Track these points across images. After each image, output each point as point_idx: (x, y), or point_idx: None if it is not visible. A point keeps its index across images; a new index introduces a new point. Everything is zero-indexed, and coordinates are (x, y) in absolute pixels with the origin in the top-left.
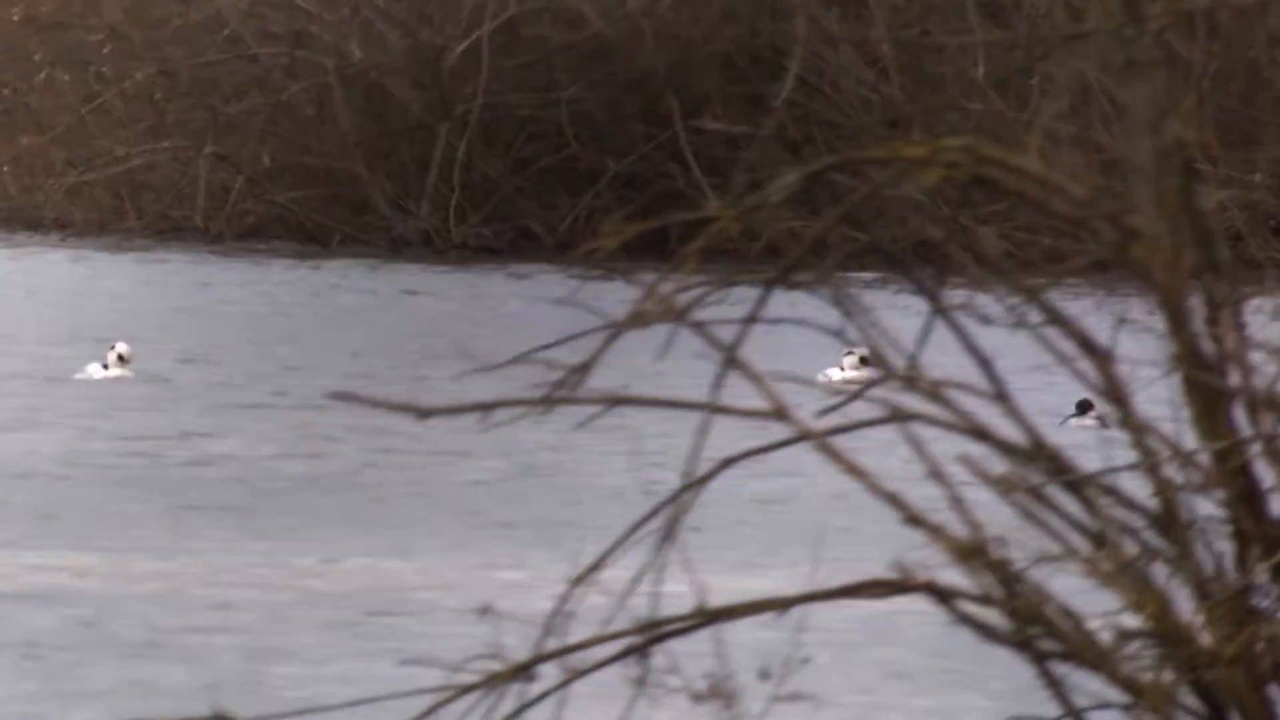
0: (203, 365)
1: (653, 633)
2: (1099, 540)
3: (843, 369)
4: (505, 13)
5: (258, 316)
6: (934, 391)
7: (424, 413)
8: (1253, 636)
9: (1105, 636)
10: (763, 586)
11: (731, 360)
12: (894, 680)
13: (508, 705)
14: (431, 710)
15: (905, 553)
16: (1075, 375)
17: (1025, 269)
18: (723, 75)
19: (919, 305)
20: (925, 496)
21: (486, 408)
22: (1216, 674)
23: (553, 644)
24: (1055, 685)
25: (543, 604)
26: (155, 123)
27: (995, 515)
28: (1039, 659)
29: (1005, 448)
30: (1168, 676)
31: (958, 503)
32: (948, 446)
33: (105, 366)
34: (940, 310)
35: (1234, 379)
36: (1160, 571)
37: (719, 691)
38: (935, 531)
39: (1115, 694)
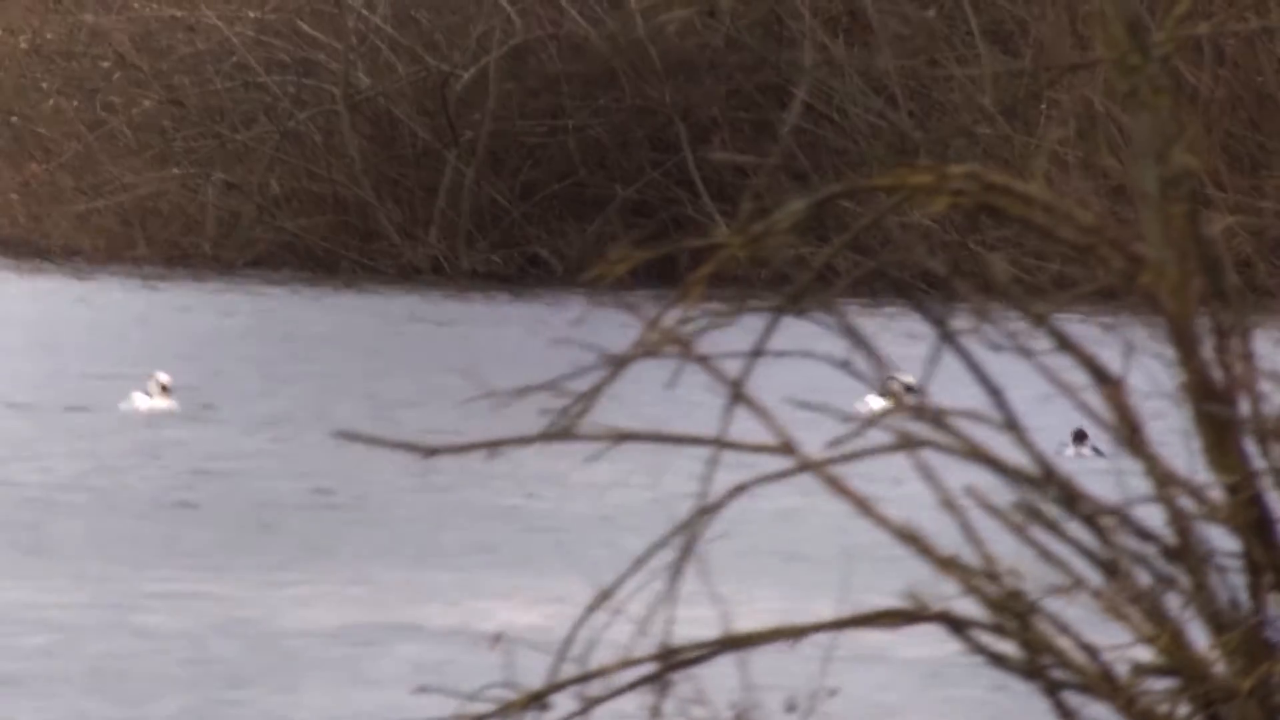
0: (228, 392)
1: (670, 660)
2: (1111, 570)
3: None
4: (512, 40)
5: (275, 344)
6: (942, 421)
7: (430, 451)
8: (1270, 671)
9: (1119, 668)
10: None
11: (738, 396)
12: (911, 712)
13: None
14: None
15: (926, 580)
16: (1080, 404)
17: (1034, 295)
18: (730, 102)
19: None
20: (941, 523)
21: (492, 445)
22: (1232, 708)
23: (568, 671)
24: (1069, 716)
25: (558, 631)
26: (163, 150)
27: (1006, 543)
28: (1052, 689)
29: (1015, 476)
30: (1183, 710)
31: (970, 533)
32: (964, 475)
33: (149, 395)
34: (948, 337)
35: (1243, 407)
36: (1173, 602)
37: None
38: (946, 563)
39: None
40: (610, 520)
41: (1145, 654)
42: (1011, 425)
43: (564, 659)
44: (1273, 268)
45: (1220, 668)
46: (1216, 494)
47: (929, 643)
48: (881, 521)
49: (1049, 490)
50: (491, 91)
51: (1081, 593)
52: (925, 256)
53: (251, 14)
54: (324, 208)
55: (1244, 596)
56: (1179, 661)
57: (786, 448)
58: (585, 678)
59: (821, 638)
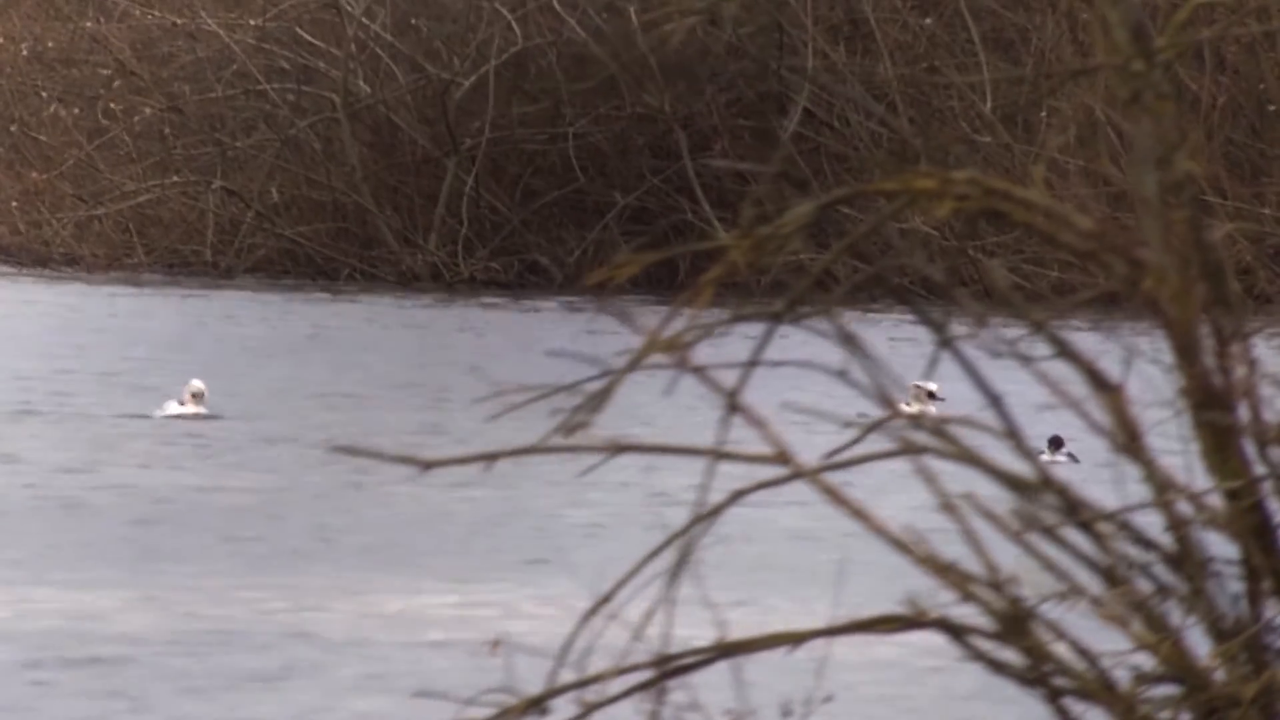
0: (229, 397)
1: (667, 666)
2: (1110, 577)
3: (908, 404)
4: (512, 48)
5: (275, 350)
6: (940, 429)
7: (427, 464)
8: (1272, 679)
9: (1120, 675)
10: (780, 620)
11: (734, 407)
12: (909, 716)
13: None
14: None
15: (926, 587)
16: (1081, 412)
17: (1034, 301)
18: (730, 110)
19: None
20: (940, 530)
21: (489, 458)
22: (1234, 716)
23: (566, 677)
24: None
25: (556, 637)
26: (163, 158)
27: (1005, 550)
28: (1052, 696)
29: (1012, 482)
30: (1185, 718)
31: (970, 539)
32: (963, 482)
33: (181, 403)
34: (947, 343)
35: (1244, 413)
36: (1173, 610)
37: None
38: (944, 570)
39: None
40: (608, 526)
41: (1146, 661)
42: (1011, 432)
43: (562, 664)
44: (1273, 274)
45: (1221, 675)
46: (1216, 500)
47: (927, 649)
48: (879, 529)
49: (1047, 497)
50: (491, 99)
51: (1081, 599)
52: (924, 264)
53: (252, 22)
54: (324, 215)
55: (1244, 603)
56: (1180, 669)
57: (783, 456)
58: (583, 683)
59: (817, 644)
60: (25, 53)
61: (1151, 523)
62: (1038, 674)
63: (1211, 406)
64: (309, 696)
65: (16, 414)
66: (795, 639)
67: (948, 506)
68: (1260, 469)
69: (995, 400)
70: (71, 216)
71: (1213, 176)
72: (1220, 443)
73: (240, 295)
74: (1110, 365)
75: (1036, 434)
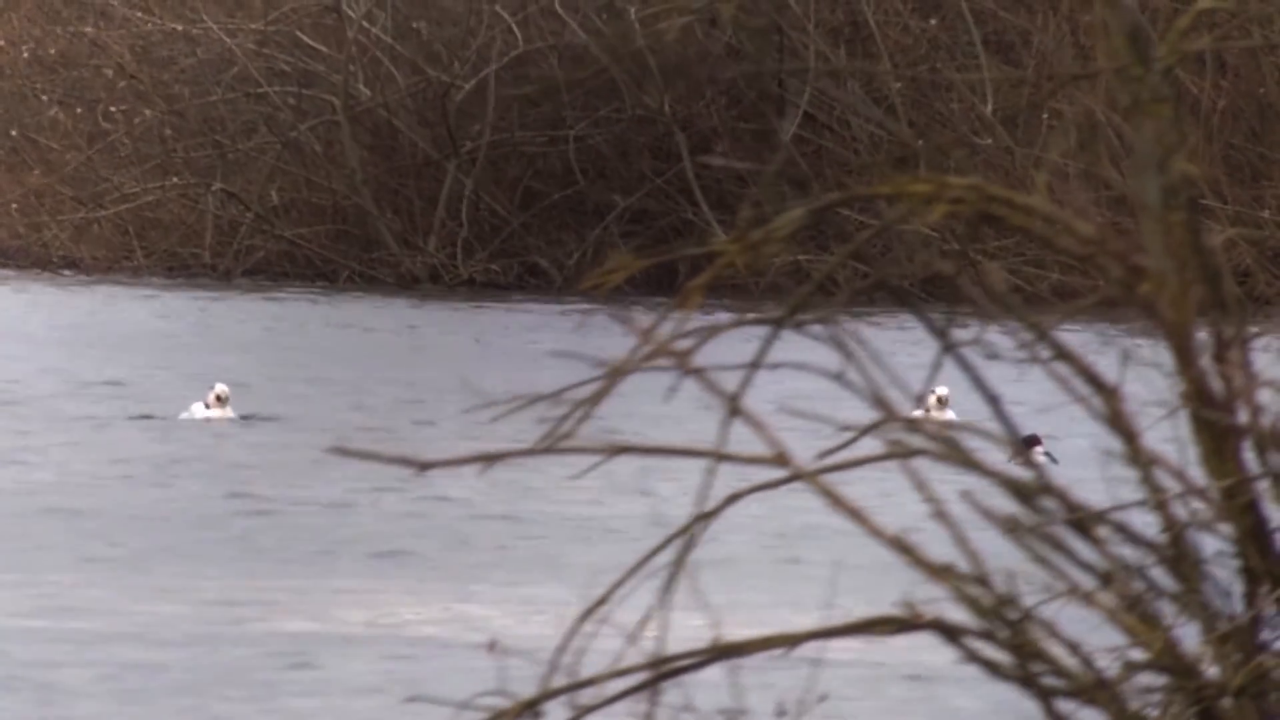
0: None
1: (662, 668)
2: (1105, 577)
3: (925, 410)
4: (512, 50)
5: (275, 353)
6: (937, 433)
7: (424, 465)
8: (1260, 667)
9: (1111, 672)
10: (776, 621)
11: (734, 410)
12: (907, 716)
13: None
14: None
15: (919, 588)
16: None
17: (1033, 304)
18: (730, 112)
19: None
20: (935, 532)
21: (487, 459)
22: (1225, 706)
23: (561, 680)
24: None
25: (551, 640)
26: (163, 161)
27: (999, 551)
28: (1044, 696)
29: (1008, 484)
30: (1175, 709)
31: (963, 541)
32: (960, 484)
33: (208, 406)
34: (949, 347)
35: (1242, 416)
36: (1167, 608)
37: None
38: (938, 571)
39: None
40: (604, 528)
41: (1138, 660)
42: (1010, 434)
43: (557, 667)
44: (1272, 278)
45: (1214, 670)
46: (1213, 502)
47: (922, 651)
48: (875, 531)
49: (1044, 498)
50: (491, 102)
51: (1074, 599)
52: (931, 259)
53: (252, 25)
54: (324, 218)
55: (1240, 605)
56: (1170, 660)
57: (782, 459)
58: (577, 686)
59: (812, 645)
60: (26, 55)
61: (1148, 523)
62: (1028, 674)
63: (1210, 409)
64: (300, 700)
65: (20, 414)
66: (790, 641)
67: (937, 509)
68: (1258, 472)
69: (993, 400)
70: (71, 219)
71: (1213, 180)
72: (1218, 446)
73: (239, 297)
74: (1108, 368)
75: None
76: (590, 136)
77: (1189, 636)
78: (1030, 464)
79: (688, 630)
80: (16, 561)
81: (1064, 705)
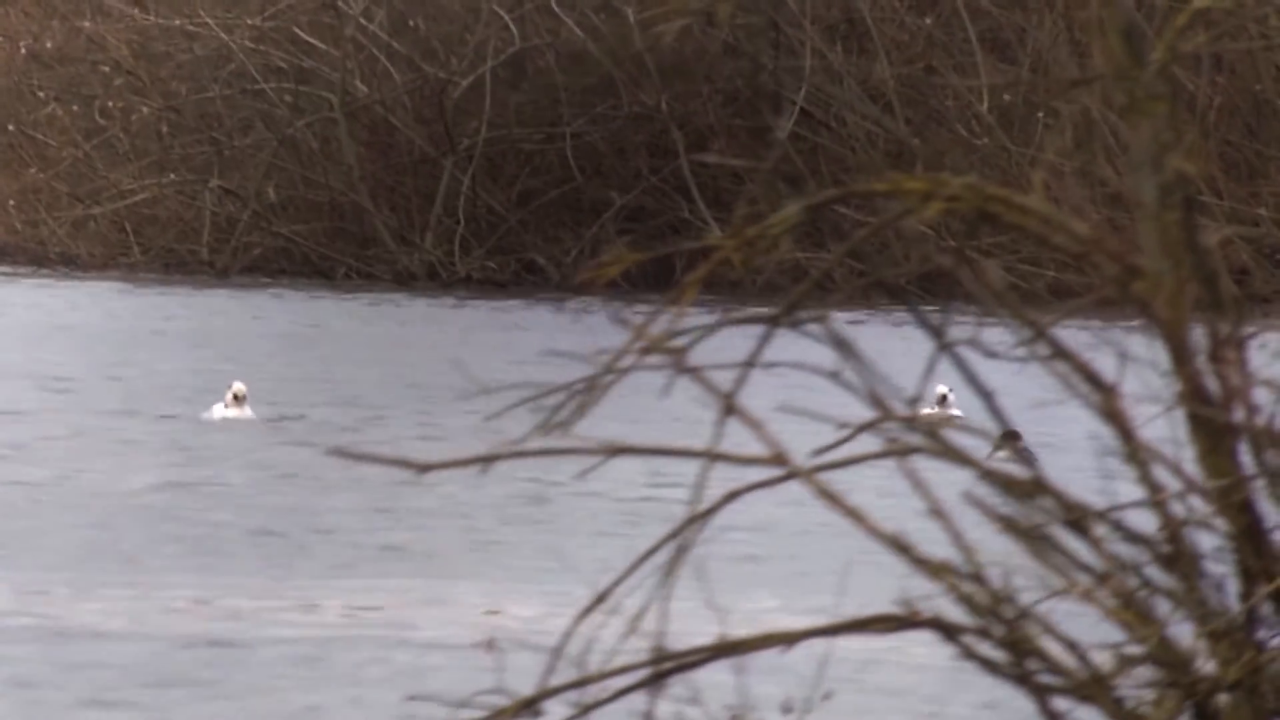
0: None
1: (662, 666)
2: (1103, 577)
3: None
4: (510, 48)
5: (272, 350)
6: (933, 431)
7: (424, 467)
8: (1255, 662)
9: (1106, 668)
10: (778, 619)
11: (730, 409)
12: (906, 715)
13: None
14: None
15: (917, 586)
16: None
17: (1030, 301)
18: (727, 110)
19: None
20: (933, 530)
21: (485, 460)
22: (1221, 701)
23: (560, 678)
24: None
25: (551, 637)
26: (160, 157)
27: (998, 549)
28: (1040, 693)
29: (1004, 482)
30: (1170, 704)
31: (959, 539)
32: (957, 480)
33: (226, 405)
34: (945, 346)
35: (1238, 415)
36: (1162, 605)
37: None
38: (936, 569)
39: None
40: (604, 525)
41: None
42: (1006, 431)
43: (557, 664)
44: (1269, 275)
45: (1209, 666)
46: (1209, 500)
47: (922, 648)
48: (873, 530)
49: (1040, 496)
50: (488, 99)
51: (1071, 597)
52: (929, 253)
53: (250, 22)
54: (321, 214)
55: (1235, 603)
56: (1165, 655)
57: (779, 458)
58: (578, 683)
59: (817, 642)
60: (23, 52)
61: (1145, 521)
62: (1024, 672)
63: (1206, 408)
64: (300, 696)
65: (24, 416)
66: (791, 639)
67: (933, 507)
68: (1253, 470)
69: (987, 396)
70: (68, 215)
71: (1209, 177)
72: (1214, 444)
73: (236, 294)
74: (1105, 367)
75: (1033, 434)
76: (587, 134)
77: (1184, 633)
78: (1019, 455)
79: (688, 628)
80: (22, 561)
81: (1059, 703)
